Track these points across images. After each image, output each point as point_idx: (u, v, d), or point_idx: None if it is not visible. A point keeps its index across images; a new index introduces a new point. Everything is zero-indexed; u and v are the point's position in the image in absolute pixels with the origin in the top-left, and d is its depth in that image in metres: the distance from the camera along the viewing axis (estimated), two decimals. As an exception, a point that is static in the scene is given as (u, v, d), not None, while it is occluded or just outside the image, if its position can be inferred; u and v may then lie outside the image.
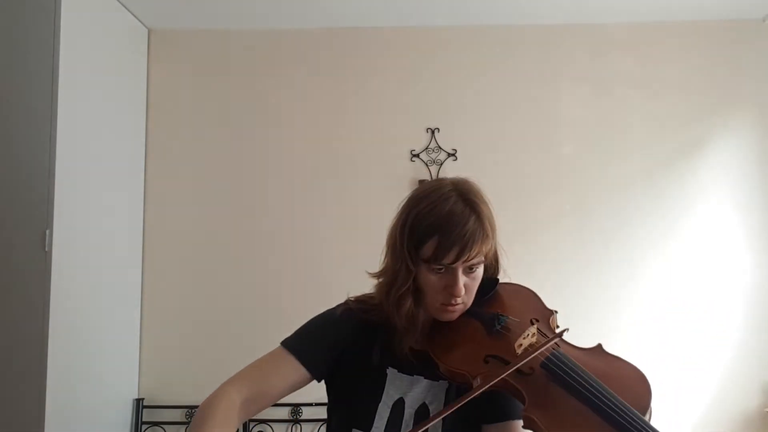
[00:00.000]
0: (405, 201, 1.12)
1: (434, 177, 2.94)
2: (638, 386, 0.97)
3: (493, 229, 1.08)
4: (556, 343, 1.05)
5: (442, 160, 2.96)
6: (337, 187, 2.96)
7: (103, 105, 2.61)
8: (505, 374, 0.95)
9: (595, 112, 2.98)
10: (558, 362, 1.00)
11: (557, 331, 1.11)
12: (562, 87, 3.00)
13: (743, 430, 2.74)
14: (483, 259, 1.07)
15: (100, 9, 2.60)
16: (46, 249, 2.19)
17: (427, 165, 2.96)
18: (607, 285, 2.87)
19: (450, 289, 1.05)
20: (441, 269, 1.05)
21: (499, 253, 1.15)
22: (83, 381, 2.41)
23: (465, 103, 3.00)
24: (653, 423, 0.95)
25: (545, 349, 0.98)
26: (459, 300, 1.07)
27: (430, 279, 1.06)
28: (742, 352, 2.81)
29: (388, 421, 1.09)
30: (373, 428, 1.09)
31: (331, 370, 1.15)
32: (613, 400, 0.93)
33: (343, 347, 1.14)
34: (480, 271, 1.09)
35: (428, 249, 1.04)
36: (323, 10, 2.88)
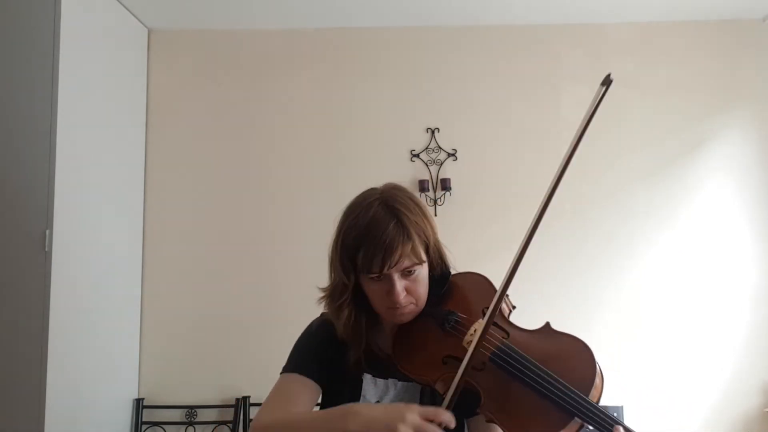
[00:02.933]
0: (340, 215, 1.15)
1: (434, 177, 2.94)
2: (582, 362, 1.02)
3: (422, 231, 1.08)
4: (505, 330, 1.08)
5: (442, 160, 2.96)
6: (336, 188, 2.96)
7: (103, 105, 2.61)
8: (459, 376, 0.98)
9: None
10: (504, 355, 1.03)
11: (509, 315, 1.14)
12: (562, 87, 3.00)
13: (744, 430, 2.75)
14: (416, 261, 1.07)
15: (100, 9, 2.61)
16: (46, 249, 2.20)
17: (427, 165, 2.96)
18: (608, 284, 2.87)
19: (390, 294, 1.07)
20: (378, 277, 1.06)
21: (442, 250, 1.16)
22: (83, 381, 2.41)
23: (465, 103, 3.00)
24: (606, 381, 1.02)
25: (491, 344, 1.02)
26: (403, 302, 1.08)
27: (372, 287, 1.09)
28: (742, 353, 2.81)
29: None
30: None
31: (327, 377, 1.17)
32: (558, 386, 0.97)
33: (327, 357, 1.17)
34: (420, 273, 1.09)
35: (360, 261, 1.07)
36: (323, 10, 2.88)
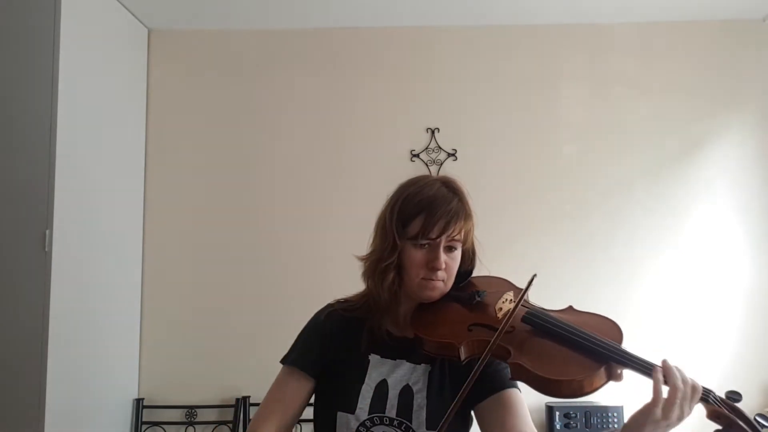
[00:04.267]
0: (394, 190, 1.24)
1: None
2: (609, 328, 1.08)
3: (473, 219, 1.19)
4: (532, 304, 1.15)
5: (442, 160, 2.96)
6: (337, 187, 2.96)
7: (103, 105, 2.61)
8: (496, 338, 1.01)
9: (595, 112, 2.98)
10: (537, 313, 1.10)
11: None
12: (562, 87, 2.99)
13: (743, 430, 2.74)
14: (462, 239, 1.16)
15: (100, 9, 2.61)
16: (46, 249, 2.20)
17: (427, 165, 2.96)
18: (607, 285, 2.87)
19: (432, 263, 1.13)
20: (425, 245, 1.14)
21: (476, 245, 1.24)
22: (83, 381, 2.41)
23: (465, 103, 3.00)
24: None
25: (523, 306, 1.08)
26: (440, 275, 1.15)
27: (414, 255, 1.15)
28: (742, 353, 2.81)
29: (371, 402, 1.15)
30: (357, 409, 1.15)
31: (323, 367, 1.22)
32: (589, 334, 1.03)
33: (330, 345, 1.22)
34: (458, 254, 1.18)
35: (415, 225, 1.14)
36: (323, 10, 2.88)
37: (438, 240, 1.12)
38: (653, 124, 2.95)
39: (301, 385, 1.20)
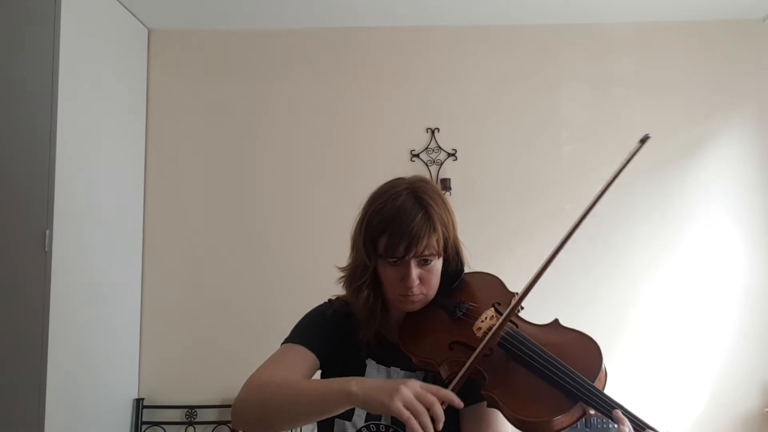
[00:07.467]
0: (365, 201, 1.18)
1: (434, 177, 2.94)
2: (589, 354, 1.03)
3: (445, 225, 1.12)
4: (514, 322, 1.11)
5: (442, 160, 2.96)
6: (337, 187, 2.96)
7: (103, 105, 2.61)
8: (470, 361, 0.99)
9: (595, 112, 2.98)
10: (513, 340, 1.05)
11: (519, 312, 1.15)
12: (562, 87, 3.00)
13: (743, 430, 2.75)
14: (435, 252, 1.10)
15: (100, 9, 2.61)
16: (46, 249, 2.20)
17: (427, 165, 2.96)
18: (607, 284, 2.87)
19: (405, 280, 1.10)
20: (396, 262, 1.10)
21: (459, 247, 1.19)
22: (83, 381, 2.41)
23: (465, 103, 3.00)
24: (611, 379, 1.03)
25: (501, 330, 1.04)
26: (415, 291, 1.12)
27: (387, 272, 1.13)
28: (742, 353, 2.81)
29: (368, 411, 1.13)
30: (354, 417, 1.14)
31: (326, 357, 1.18)
32: (564, 370, 0.98)
33: (333, 339, 1.20)
34: (435, 264, 1.13)
35: (381, 245, 1.10)
36: (323, 10, 2.88)
37: (406, 258, 1.09)
38: (653, 124, 2.95)
39: (307, 359, 1.13)
